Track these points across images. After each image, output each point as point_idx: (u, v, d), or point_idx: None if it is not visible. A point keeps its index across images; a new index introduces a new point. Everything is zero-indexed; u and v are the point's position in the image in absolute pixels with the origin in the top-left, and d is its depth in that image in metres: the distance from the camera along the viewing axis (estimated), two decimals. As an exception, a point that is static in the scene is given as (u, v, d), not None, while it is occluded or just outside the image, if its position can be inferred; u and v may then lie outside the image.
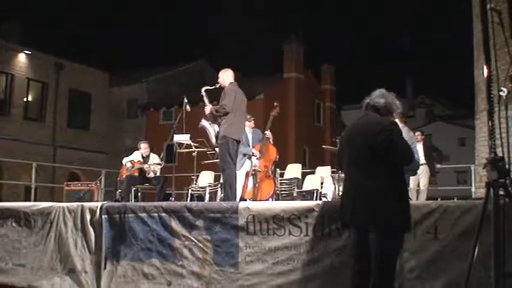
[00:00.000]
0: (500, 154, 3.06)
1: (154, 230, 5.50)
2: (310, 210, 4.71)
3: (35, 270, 6.25)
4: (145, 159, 9.25)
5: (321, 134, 28.29)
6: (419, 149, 8.45)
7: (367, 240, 3.61)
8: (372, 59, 77.37)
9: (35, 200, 10.95)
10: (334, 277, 4.45)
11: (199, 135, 8.00)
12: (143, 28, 65.57)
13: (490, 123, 3.10)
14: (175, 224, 5.39)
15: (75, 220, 6.09)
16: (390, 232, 3.54)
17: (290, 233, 4.78)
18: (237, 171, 6.91)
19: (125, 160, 9.35)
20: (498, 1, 8.74)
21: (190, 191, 9.53)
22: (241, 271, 4.93)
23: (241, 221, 5.00)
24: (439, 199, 6.20)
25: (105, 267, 5.76)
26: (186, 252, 5.27)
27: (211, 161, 8.22)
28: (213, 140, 6.94)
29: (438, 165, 10.43)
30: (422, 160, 8.63)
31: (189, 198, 9.40)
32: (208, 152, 8.08)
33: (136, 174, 9.08)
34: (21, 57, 20.31)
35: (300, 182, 8.86)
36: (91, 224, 5.96)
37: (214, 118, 6.82)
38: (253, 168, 7.62)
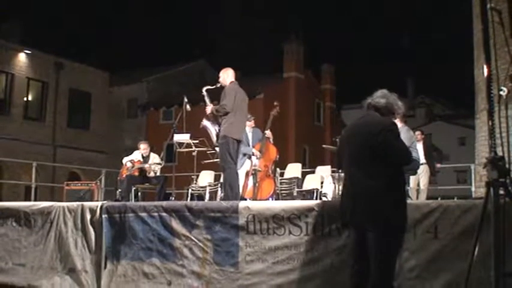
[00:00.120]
0: (500, 153, 3.06)
1: (155, 229, 5.50)
2: (310, 209, 4.71)
3: (35, 270, 6.25)
4: (146, 159, 9.25)
5: (321, 134, 28.30)
6: (419, 148, 8.44)
7: (366, 240, 3.61)
8: (372, 59, 77.42)
9: (35, 200, 10.93)
10: (334, 277, 4.45)
11: (200, 134, 8.01)
12: (143, 28, 65.65)
13: (490, 123, 3.10)
14: (175, 224, 5.39)
15: (75, 220, 6.09)
16: (389, 232, 3.54)
17: (290, 233, 4.78)
18: (238, 171, 6.90)
19: (125, 160, 9.36)
20: (498, 0, 8.74)
21: (190, 190, 9.53)
22: (241, 270, 4.93)
23: (242, 221, 5.00)
24: (439, 198, 6.21)
25: (105, 267, 5.76)
26: (186, 251, 5.27)
27: (211, 160, 8.22)
28: (215, 139, 6.93)
29: (438, 165, 10.43)
30: (422, 160, 8.63)
31: (189, 198, 9.40)
32: (208, 152, 8.08)
33: (136, 173, 9.09)
34: (21, 57, 20.30)
35: (300, 181, 8.86)
36: (91, 224, 5.96)
37: (215, 118, 6.81)
38: (253, 167, 7.63)
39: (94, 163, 19.26)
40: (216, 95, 6.85)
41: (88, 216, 6.00)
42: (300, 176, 9.02)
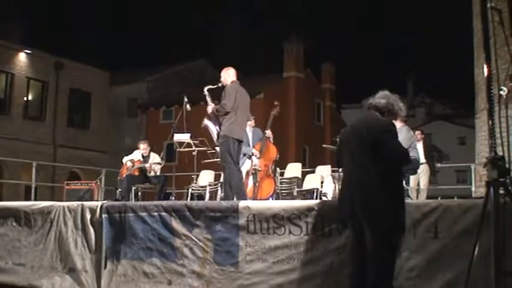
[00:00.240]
0: (500, 153, 3.07)
1: (155, 229, 5.50)
2: (310, 209, 4.71)
3: (35, 270, 6.26)
4: (146, 158, 9.25)
5: (321, 133, 28.29)
6: (419, 148, 8.43)
7: (365, 240, 3.62)
8: (372, 59, 77.33)
9: (35, 199, 10.94)
10: (334, 276, 4.45)
11: (200, 134, 8.00)
12: (143, 28, 65.64)
13: (490, 123, 3.10)
14: (175, 223, 5.39)
15: (76, 219, 6.09)
16: (388, 231, 3.55)
17: (290, 232, 4.78)
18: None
19: (125, 159, 9.36)
20: (498, 0, 8.73)
21: (190, 190, 9.52)
22: (242, 270, 4.93)
23: (242, 220, 5.00)
24: (439, 198, 6.21)
25: (105, 267, 5.76)
26: (186, 251, 5.27)
27: (211, 160, 8.22)
28: (216, 139, 6.93)
29: (438, 165, 10.42)
30: (422, 159, 8.62)
31: (189, 198, 9.39)
32: (208, 151, 8.08)
33: (136, 173, 9.09)
34: (21, 57, 20.30)
35: (300, 181, 8.86)
36: (91, 223, 5.97)
37: (216, 117, 6.81)
38: (253, 167, 7.63)
39: (94, 163, 19.26)
40: (219, 95, 6.85)
41: (88, 216, 6.00)
42: (300, 176, 9.02)
